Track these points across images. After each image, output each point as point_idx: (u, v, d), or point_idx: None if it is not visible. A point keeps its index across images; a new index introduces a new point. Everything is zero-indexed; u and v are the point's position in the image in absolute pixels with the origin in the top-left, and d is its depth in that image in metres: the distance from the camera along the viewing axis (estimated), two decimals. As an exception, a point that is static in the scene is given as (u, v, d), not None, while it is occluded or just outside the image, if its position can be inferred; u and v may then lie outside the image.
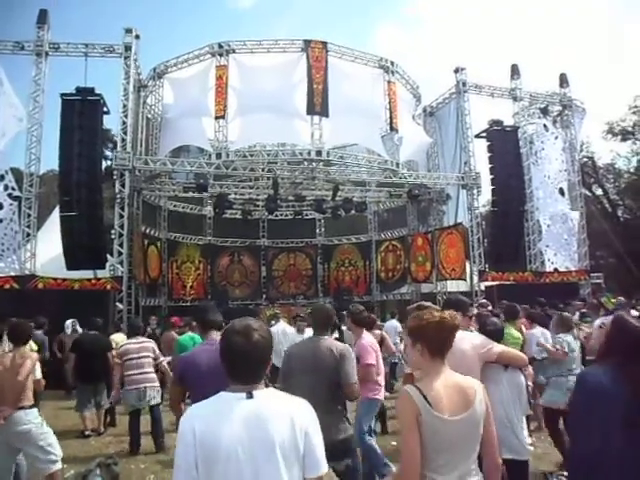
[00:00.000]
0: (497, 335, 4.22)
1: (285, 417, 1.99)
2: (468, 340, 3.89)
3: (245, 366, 2.07)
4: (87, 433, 8.32)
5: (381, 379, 6.09)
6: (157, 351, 7.77)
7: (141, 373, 7.39)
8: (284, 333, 9.97)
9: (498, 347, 4.01)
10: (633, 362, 2.51)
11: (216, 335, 4.29)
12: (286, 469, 1.95)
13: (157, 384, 7.57)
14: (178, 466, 1.98)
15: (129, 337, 8.05)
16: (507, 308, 7.34)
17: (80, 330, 10.76)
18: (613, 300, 15.44)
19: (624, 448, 2.41)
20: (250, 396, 2.01)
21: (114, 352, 8.40)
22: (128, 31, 15.75)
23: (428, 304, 11.01)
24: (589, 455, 2.49)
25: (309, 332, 8.23)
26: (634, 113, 32.39)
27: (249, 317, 2.25)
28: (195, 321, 8.61)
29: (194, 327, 8.45)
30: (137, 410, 7.52)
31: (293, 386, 3.91)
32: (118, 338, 10.01)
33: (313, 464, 2.02)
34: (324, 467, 2.06)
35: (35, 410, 4.93)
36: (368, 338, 5.93)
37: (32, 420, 4.83)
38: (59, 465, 5.02)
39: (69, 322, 11.40)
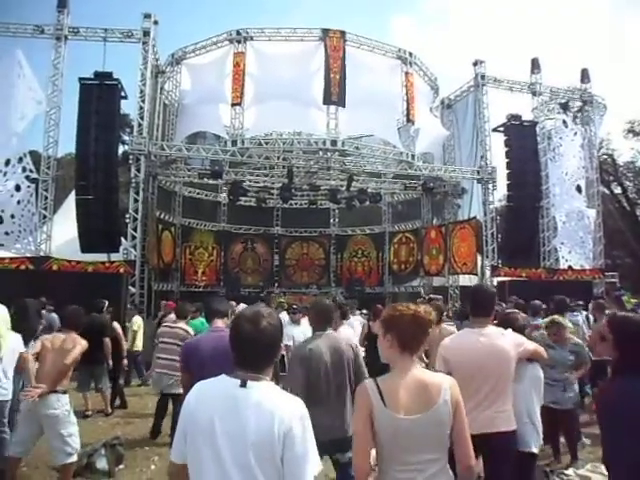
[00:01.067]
0: (522, 332, 4.22)
1: (266, 414, 1.95)
2: (508, 337, 3.81)
3: (252, 353, 2.08)
4: (88, 413, 8.40)
5: None
6: (190, 337, 7.22)
7: (165, 358, 7.26)
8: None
9: (531, 344, 4.01)
10: None
11: (221, 323, 4.35)
12: (260, 469, 1.91)
13: (177, 373, 7.11)
14: (176, 435, 2.10)
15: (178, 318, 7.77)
16: (559, 301, 7.76)
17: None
18: (633, 300, 15.35)
19: None
20: (243, 385, 2.00)
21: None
22: (147, 16, 15.78)
23: (439, 297, 11.03)
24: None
25: (304, 322, 8.29)
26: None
27: (260, 304, 2.28)
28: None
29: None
30: (163, 397, 7.42)
31: (312, 383, 3.93)
32: (138, 320, 10.18)
33: (292, 473, 1.92)
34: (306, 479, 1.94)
35: (67, 397, 4.95)
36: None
37: (62, 406, 4.84)
38: (74, 458, 5.01)
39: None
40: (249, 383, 2.01)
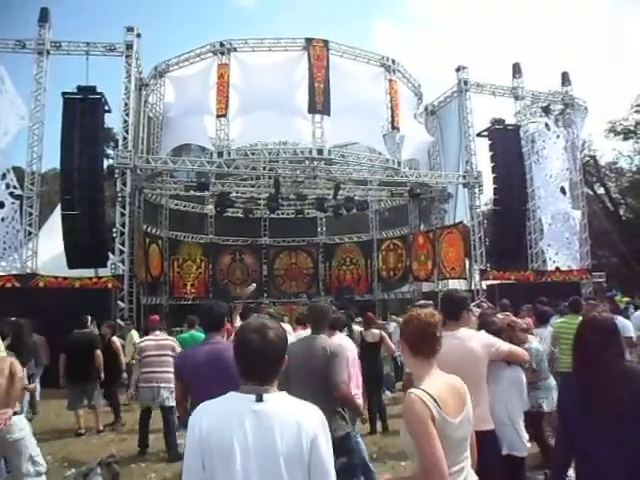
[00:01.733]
0: (499, 335, 4.21)
1: (292, 425, 1.94)
2: (477, 339, 3.85)
3: (259, 364, 2.05)
4: (81, 432, 8.30)
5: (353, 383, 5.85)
6: (178, 348, 7.34)
7: (155, 372, 7.19)
8: None
9: (505, 345, 4.00)
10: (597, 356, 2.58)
11: (218, 335, 4.26)
12: (289, 478, 1.91)
13: (172, 385, 7.30)
14: (187, 465, 1.99)
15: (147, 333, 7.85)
16: (573, 301, 7.84)
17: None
18: (625, 299, 15.51)
19: (588, 450, 2.54)
20: (260, 399, 1.97)
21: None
22: (129, 29, 15.74)
23: (429, 302, 10.96)
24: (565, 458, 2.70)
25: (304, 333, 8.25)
26: (636, 112, 32.33)
27: (264, 316, 2.25)
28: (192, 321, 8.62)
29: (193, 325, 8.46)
30: (148, 409, 7.40)
31: (291, 386, 3.92)
32: (135, 335, 10.07)
33: (320, 475, 1.97)
34: (332, 479, 2.01)
35: (23, 417, 4.66)
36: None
37: (24, 427, 4.56)
38: (44, 478, 4.72)
39: None
40: (265, 397, 1.98)
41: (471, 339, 3.77)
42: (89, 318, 9.26)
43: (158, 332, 7.75)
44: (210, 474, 1.94)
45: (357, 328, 9.57)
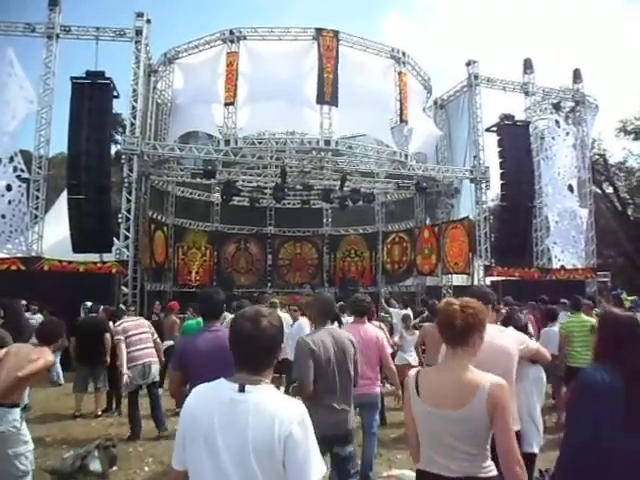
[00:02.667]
0: (524, 330, 4.22)
1: (266, 419, 1.90)
2: (508, 335, 3.81)
3: (251, 353, 2.04)
4: (76, 414, 8.42)
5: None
6: (151, 327, 7.90)
7: (143, 349, 7.44)
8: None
9: (534, 343, 4.02)
10: (629, 356, 2.54)
11: (217, 322, 4.29)
12: (262, 473, 1.88)
13: (157, 359, 7.57)
14: (176, 440, 2.08)
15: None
16: (575, 300, 8.18)
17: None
18: (630, 298, 15.47)
19: (613, 449, 2.43)
20: (242, 389, 1.96)
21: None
22: (139, 15, 15.68)
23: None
24: (576, 453, 2.53)
25: (303, 321, 8.29)
26: (647, 111, 32.05)
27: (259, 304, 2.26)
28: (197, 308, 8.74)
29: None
30: (135, 392, 7.47)
31: (319, 378, 3.92)
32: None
33: (294, 476, 1.89)
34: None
35: (17, 411, 4.26)
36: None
37: (9, 422, 4.15)
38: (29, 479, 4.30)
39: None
40: (247, 387, 1.97)
41: (501, 335, 3.71)
42: (100, 307, 9.50)
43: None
44: (191, 454, 1.99)
45: (350, 320, 9.52)
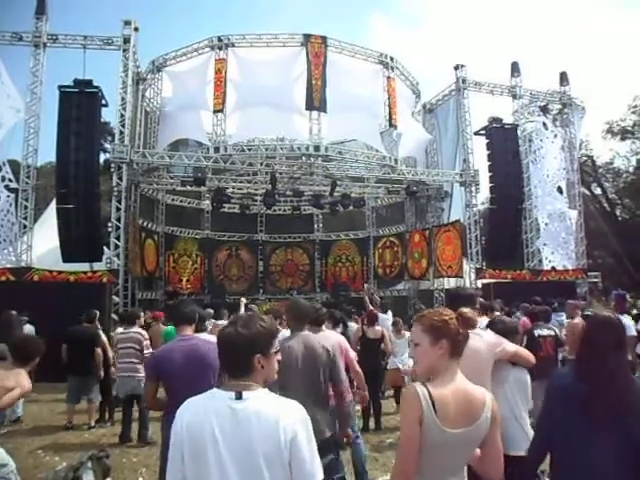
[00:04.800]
0: (506, 334, 4.19)
1: (270, 423, 1.92)
2: (482, 338, 3.84)
3: (229, 356, 2.07)
4: (68, 426, 8.35)
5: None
6: (145, 342, 7.80)
7: (126, 362, 7.64)
8: None
9: (511, 346, 3.99)
10: (610, 358, 2.55)
11: (189, 330, 4.25)
12: (271, 477, 1.90)
13: (139, 374, 7.54)
14: (170, 457, 2.03)
15: (125, 326, 8.17)
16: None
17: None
18: (630, 300, 15.51)
19: (581, 449, 2.48)
20: (239, 396, 1.97)
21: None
22: (127, 23, 15.64)
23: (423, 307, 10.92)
24: (540, 454, 2.68)
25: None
26: (634, 113, 32.41)
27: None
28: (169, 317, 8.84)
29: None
30: (127, 402, 7.65)
31: (288, 383, 3.91)
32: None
33: (303, 476, 1.93)
34: (317, 478, 1.95)
35: None
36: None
37: None
38: None
39: None
40: (245, 394, 1.98)
41: (475, 338, 3.67)
42: (97, 313, 9.29)
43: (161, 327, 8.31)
44: (189, 468, 1.96)
45: (353, 325, 9.55)
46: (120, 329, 9.10)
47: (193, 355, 3.78)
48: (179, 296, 19.35)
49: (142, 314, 8.78)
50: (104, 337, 9.13)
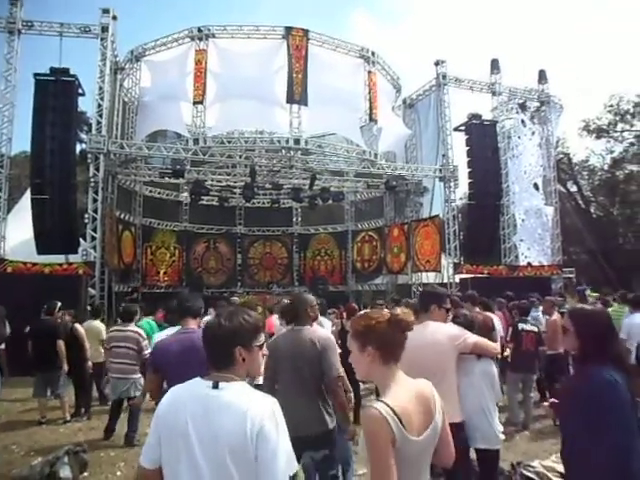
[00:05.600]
0: (468, 327, 4.22)
1: (238, 414, 1.93)
2: (443, 331, 3.91)
3: (213, 348, 2.11)
4: (42, 420, 8.15)
5: None
6: (143, 342, 7.33)
7: (118, 363, 7.25)
8: None
9: (472, 338, 4.01)
10: (609, 347, 2.63)
11: (193, 323, 4.25)
12: (236, 469, 1.91)
13: (134, 376, 7.25)
14: (147, 440, 2.10)
15: (123, 322, 7.69)
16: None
17: None
18: (594, 294, 15.82)
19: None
20: (215, 386, 2.01)
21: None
22: (105, 11, 15.37)
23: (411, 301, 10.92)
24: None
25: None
26: (609, 112, 32.88)
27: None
28: (169, 309, 8.66)
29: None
30: (116, 402, 7.40)
31: (279, 379, 3.91)
32: (99, 325, 9.71)
33: (266, 471, 1.89)
34: (281, 476, 1.90)
35: None
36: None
37: None
38: None
39: None
40: (221, 384, 2.01)
41: (437, 331, 3.85)
42: (58, 304, 8.90)
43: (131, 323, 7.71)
44: (166, 452, 2.02)
45: (325, 320, 9.36)
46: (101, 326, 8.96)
47: (189, 347, 3.77)
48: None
49: (138, 310, 8.32)
50: (81, 329, 8.94)
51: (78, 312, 10.33)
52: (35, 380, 8.43)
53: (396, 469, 1.94)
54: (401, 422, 1.98)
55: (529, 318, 8.07)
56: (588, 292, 14.54)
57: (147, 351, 7.23)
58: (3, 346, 10.12)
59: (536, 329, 7.64)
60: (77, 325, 8.98)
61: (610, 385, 2.54)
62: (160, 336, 4.73)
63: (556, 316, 8.42)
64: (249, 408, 1.95)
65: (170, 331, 4.58)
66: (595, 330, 2.71)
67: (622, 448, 2.45)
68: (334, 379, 3.93)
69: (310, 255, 23.86)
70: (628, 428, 2.50)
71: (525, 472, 5.13)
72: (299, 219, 24.31)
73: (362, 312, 2.46)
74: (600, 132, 33.53)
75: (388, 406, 2.00)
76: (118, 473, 6.00)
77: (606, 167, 35.03)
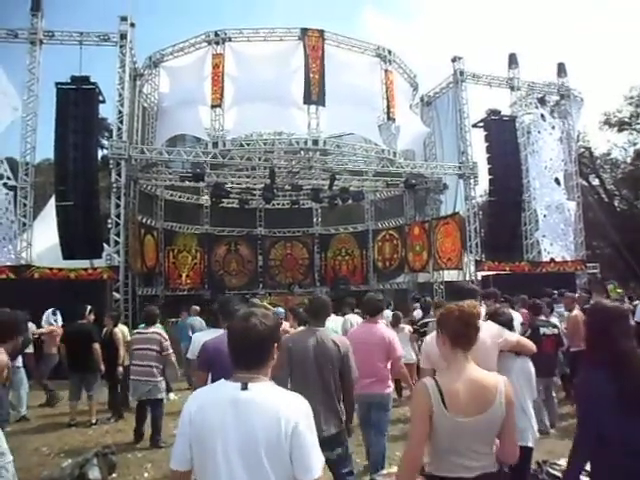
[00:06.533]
0: (508, 325, 4.24)
1: (272, 414, 1.96)
2: (485, 329, 3.88)
3: (242, 351, 2.11)
4: (71, 423, 8.30)
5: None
6: (165, 342, 7.40)
7: (139, 365, 7.29)
8: None
9: (513, 336, 4.06)
10: (614, 341, 2.61)
11: None
12: (271, 468, 1.94)
13: (155, 379, 7.27)
14: (175, 445, 2.11)
15: (146, 325, 7.74)
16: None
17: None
18: (619, 290, 15.60)
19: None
20: (245, 387, 2.02)
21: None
22: (123, 19, 15.57)
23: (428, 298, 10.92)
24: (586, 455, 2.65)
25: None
26: (630, 104, 32.35)
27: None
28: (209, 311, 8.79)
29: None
30: (142, 404, 7.45)
31: (297, 379, 3.94)
32: (122, 328, 9.82)
33: (303, 467, 1.96)
34: (316, 471, 1.97)
35: None
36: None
37: None
38: None
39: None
40: (250, 385, 2.03)
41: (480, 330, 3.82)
42: (88, 308, 9.03)
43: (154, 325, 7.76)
44: (196, 456, 2.03)
45: (353, 317, 9.40)
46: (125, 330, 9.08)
47: None
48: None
49: (158, 312, 8.18)
50: (119, 333, 9.02)
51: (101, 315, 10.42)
52: (70, 383, 8.60)
53: (434, 435, 2.39)
54: (442, 398, 2.37)
55: (554, 314, 7.99)
56: (611, 287, 14.27)
57: (169, 351, 7.41)
58: (31, 349, 10.29)
59: (557, 331, 7.53)
60: (116, 329, 9.11)
61: (584, 383, 2.73)
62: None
63: (577, 311, 8.33)
64: (282, 408, 1.98)
65: (213, 333, 4.61)
66: (599, 326, 2.74)
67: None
68: (353, 380, 4.06)
69: (331, 255, 23.86)
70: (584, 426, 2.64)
71: (551, 470, 5.09)
72: (319, 219, 24.33)
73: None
74: (622, 125, 33.00)
75: (437, 383, 2.42)
76: (145, 474, 6.10)
77: (629, 160, 34.48)
